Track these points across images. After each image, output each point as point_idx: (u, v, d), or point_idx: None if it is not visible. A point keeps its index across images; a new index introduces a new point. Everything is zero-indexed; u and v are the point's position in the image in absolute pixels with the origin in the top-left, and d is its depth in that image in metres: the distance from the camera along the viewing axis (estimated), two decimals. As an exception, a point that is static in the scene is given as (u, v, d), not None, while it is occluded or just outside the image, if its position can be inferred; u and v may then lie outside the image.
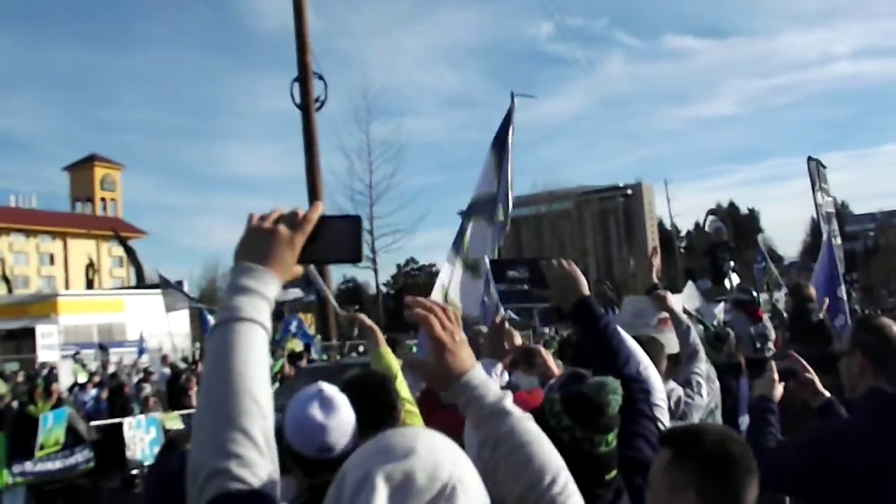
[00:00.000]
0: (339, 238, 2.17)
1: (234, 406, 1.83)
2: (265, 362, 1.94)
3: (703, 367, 5.73)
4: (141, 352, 28.81)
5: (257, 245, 2.05)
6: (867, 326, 4.45)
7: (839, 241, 13.68)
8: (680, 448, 2.80)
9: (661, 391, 4.17)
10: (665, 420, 4.16)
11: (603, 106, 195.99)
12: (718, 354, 8.78)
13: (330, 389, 3.45)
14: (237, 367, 1.87)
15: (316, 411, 3.33)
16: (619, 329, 3.85)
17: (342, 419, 3.37)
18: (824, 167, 14.76)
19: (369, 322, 5.86)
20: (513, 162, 10.76)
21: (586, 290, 3.79)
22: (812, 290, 10.69)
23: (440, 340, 2.31)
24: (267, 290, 2.01)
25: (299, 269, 2.11)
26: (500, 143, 10.72)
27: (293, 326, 24.50)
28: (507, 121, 10.66)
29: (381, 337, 5.74)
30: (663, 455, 2.86)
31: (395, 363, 5.50)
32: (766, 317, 10.69)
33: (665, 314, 5.99)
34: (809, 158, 14.27)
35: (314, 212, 2.12)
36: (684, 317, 6.02)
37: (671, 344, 5.83)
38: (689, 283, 6.16)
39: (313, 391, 3.43)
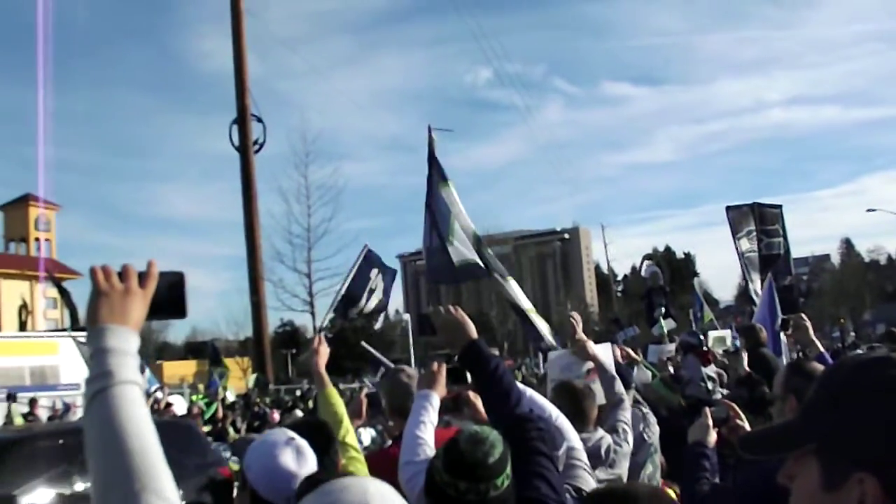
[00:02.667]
0: (169, 294, 2.25)
1: (141, 468, 1.85)
2: (148, 416, 1.97)
3: (628, 414, 5.85)
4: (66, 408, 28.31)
5: (114, 305, 2.09)
6: (800, 371, 4.53)
7: (786, 281, 13.81)
8: None
9: (576, 436, 4.26)
10: (585, 461, 4.24)
11: (540, 151, 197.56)
12: (674, 395, 8.87)
13: (301, 439, 3.43)
14: (131, 429, 1.91)
15: (289, 460, 3.31)
16: (508, 371, 3.93)
17: (311, 470, 3.34)
18: (775, 208, 14.91)
19: (318, 367, 5.87)
20: (440, 197, 10.66)
21: (474, 334, 3.90)
22: (764, 334, 10.81)
23: None
24: (132, 347, 2.06)
25: (142, 323, 2.13)
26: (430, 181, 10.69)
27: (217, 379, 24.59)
28: (430, 157, 10.64)
29: (327, 379, 5.74)
30: None
31: (341, 406, 5.49)
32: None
33: (591, 364, 6.10)
34: (728, 208, 14.50)
35: (155, 268, 2.19)
36: (609, 365, 6.13)
37: (600, 394, 5.95)
38: (563, 352, 6.34)
39: (285, 439, 3.41)
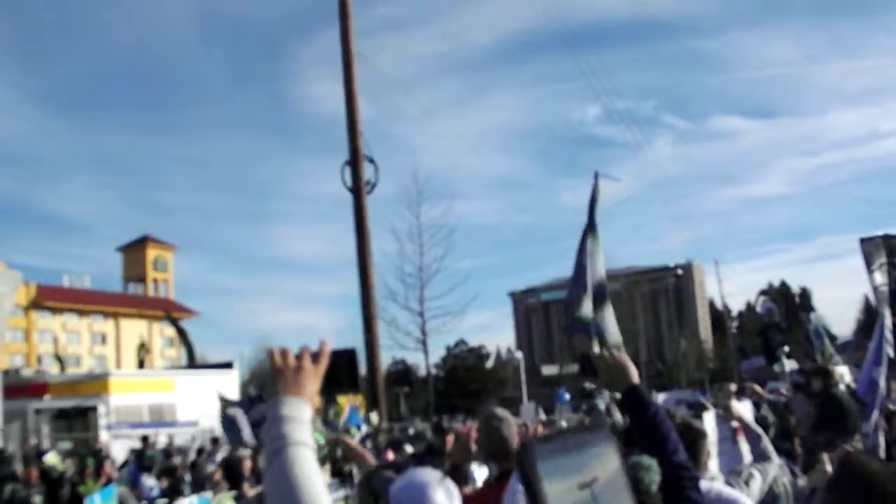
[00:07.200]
0: (343, 369, 2.72)
1: None
2: (318, 472, 2.34)
3: (770, 469, 5.87)
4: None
5: (288, 380, 2.49)
6: None
7: None
8: None
9: None
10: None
11: (652, 187, 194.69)
12: None
13: (449, 480, 3.63)
14: (302, 483, 2.26)
15: (442, 499, 3.49)
16: (667, 417, 3.89)
17: None
18: None
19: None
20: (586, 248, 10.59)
21: (636, 379, 3.86)
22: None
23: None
24: (305, 415, 2.45)
25: (317, 396, 2.56)
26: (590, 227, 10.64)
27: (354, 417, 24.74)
28: (592, 202, 10.61)
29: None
30: None
31: None
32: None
33: (736, 423, 6.11)
34: (862, 240, 14.08)
35: (326, 347, 2.61)
36: (754, 424, 6.17)
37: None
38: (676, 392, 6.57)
39: (436, 477, 3.60)
